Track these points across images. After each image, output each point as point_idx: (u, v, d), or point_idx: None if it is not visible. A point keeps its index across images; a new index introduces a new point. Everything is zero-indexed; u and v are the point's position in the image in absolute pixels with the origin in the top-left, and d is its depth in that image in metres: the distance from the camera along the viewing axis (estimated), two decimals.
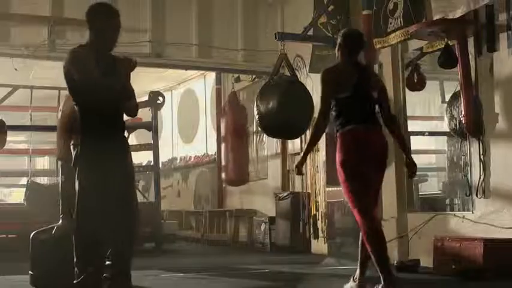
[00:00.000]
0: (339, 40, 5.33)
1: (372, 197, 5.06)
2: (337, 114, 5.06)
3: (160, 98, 10.95)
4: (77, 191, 4.62)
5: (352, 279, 5.34)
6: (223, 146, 10.45)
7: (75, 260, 4.66)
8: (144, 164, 13.04)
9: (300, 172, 5.19)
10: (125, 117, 4.95)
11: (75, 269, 4.66)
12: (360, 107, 5.06)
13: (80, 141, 4.62)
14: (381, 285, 4.85)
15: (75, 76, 4.70)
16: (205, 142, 14.10)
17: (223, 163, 10.32)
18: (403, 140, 5.39)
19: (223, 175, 10.21)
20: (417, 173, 5.39)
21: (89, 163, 4.57)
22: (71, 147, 4.80)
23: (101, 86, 4.62)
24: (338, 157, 4.99)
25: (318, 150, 9.10)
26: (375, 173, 5.07)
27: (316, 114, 5.36)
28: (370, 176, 5.00)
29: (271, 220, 10.04)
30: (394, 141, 5.42)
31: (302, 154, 5.25)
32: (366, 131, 5.04)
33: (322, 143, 8.94)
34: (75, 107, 4.75)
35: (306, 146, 5.39)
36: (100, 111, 4.60)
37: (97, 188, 4.55)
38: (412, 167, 5.24)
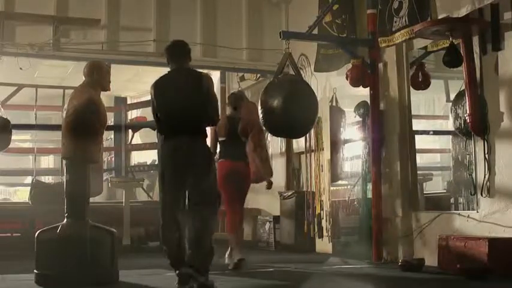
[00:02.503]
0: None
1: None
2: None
3: None
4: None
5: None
6: None
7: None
8: (148, 163, 13.06)
9: None
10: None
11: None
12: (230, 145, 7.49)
13: None
14: None
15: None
16: (209, 141, 14.09)
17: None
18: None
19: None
20: (422, 172, 5.62)
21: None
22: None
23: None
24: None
25: (323, 149, 9.10)
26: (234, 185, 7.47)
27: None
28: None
29: (276, 219, 10.05)
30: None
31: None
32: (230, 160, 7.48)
33: (326, 142, 8.97)
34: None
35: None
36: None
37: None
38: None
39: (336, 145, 8.80)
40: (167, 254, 5.49)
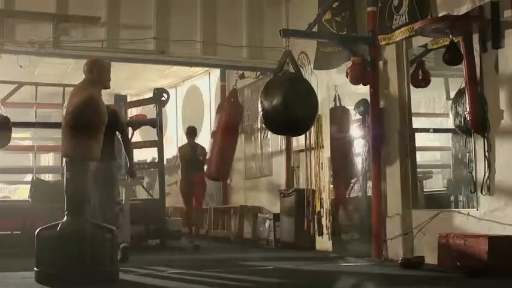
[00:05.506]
0: None
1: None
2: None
3: (165, 95, 10.95)
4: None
5: None
6: (211, 140, 10.49)
7: None
8: (148, 161, 13.06)
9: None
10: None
11: None
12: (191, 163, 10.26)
13: None
14: None
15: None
16: (209, 139, 14.08)
17: (207, 156, 10.38)
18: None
19: (205, 168, 10.28)
20: (422, 169, 5.57)
21: None
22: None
23: None
24: None
25: (323, 147, 9.09)
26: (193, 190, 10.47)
27: None
28: None
29: (276, 217, 10.05)
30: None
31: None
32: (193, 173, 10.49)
33: (326, 140, 8.97)
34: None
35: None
36: None
37: None
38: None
39: (346, 144, 8.74)
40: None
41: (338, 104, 8.89)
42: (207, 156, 10.39)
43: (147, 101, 11.69)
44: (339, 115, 8.83)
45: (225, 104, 10.44)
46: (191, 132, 10.70)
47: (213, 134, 10.57)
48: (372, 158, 7.98)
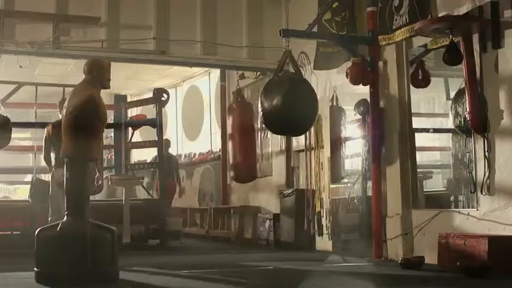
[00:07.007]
0: None
1: None
2: None
3: (165, 95, 10.95)
4: None
5: None
6: (230, 143, 10.44)
7: None
8: (148, 161, 13.06)
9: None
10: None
11: None
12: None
13: None
14: None
15: None
16: (209, 139, 14.11)
17: (231, 161, 10.31)
18: None
19: (231, 173, 10.25)
20: (422, 169, 5.55)
21: None
22: None
23: None
24: None
25: (323, 147, 9.09)
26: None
27: None
28: None
29: (276, 217, 10.05)
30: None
31: None
32: None
33: (326, 140, 8.97)
34: None
35: None
36: None
37: None
38: None
39: (336, 145, 8.80)
40: None
41: (335, 104, 8.91)
42: (231, 162, 10.36)
43: (147, 101, 11.69)
44: (333, 115, 8.88)
45: (234, 105, 10.42)
46: (166, 144, 12.21)
47: (231, 137, 10.47)
48: (372, 158, 7.97)
